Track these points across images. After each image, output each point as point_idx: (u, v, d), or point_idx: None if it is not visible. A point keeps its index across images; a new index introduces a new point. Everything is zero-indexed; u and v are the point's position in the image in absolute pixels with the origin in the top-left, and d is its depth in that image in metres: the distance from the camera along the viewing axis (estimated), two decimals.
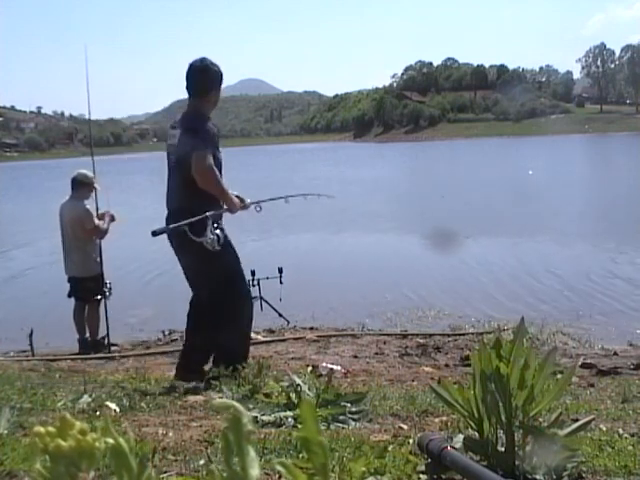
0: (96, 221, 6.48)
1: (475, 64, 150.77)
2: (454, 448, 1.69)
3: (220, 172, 4.16)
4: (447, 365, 5.34)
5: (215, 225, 3.95)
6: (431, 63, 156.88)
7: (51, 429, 0.66)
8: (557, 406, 2.46)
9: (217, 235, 3.91)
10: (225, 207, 4.18)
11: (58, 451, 0.65)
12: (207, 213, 3.89)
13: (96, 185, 6.57)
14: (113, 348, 6.44)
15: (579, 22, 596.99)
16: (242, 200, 4.37)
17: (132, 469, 0.68)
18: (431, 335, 6.68)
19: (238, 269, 4.32)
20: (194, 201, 4.00)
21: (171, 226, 4.02)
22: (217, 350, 4.19)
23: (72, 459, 0.65)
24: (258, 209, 4.55)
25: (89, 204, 6.60)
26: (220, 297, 4.18)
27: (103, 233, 6.55)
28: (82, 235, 6.50)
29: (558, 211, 16.67)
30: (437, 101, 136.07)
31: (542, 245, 12.22)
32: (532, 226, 14.38)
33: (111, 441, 0.67)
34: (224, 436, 0.68)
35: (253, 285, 7.34)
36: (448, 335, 6.69)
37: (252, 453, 0.68)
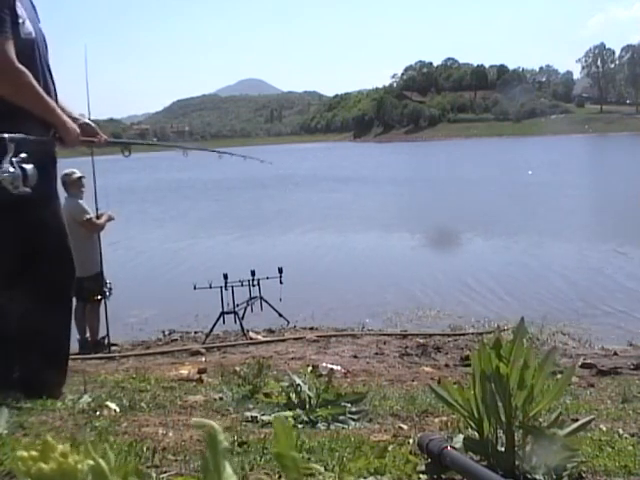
0: (87, 215, 6.51)
1: (475, 64, 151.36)
2: (454, 448, 1.69)
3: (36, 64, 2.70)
4: (447, 365, 5.35)
5: (23, 156, 2.49)
6: (431, 63, 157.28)
7: (33, 453, 0.66)
8: (557, 406, 2.46)
9: (24, 170, 2.47)
10: (63, 140, 2.74)
11: (40, 474, 0.65)
12: (6, 135, 2.47)
13: (77, 174, 6.59)
14: (113, 348, 6.44)
15: (579, 22, 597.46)
16: (91, 129, 2.97)
17: None
18: (431, 335, 6.69)
19: (66, 241, 2.92)
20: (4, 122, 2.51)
21: None
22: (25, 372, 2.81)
23: None
24: (127, 154, 3.33)
25: (89, 204, 6.63)
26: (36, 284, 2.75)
27: (98, 228, 6.58)
28: (80, 232, 6.51)
29: (558, 211, 16.68)
30: (437, 101, 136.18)
31: (542, 245, 12.23)
32: (532, 226, 14.39)
33: (92, 462, 0.67)
34: (202, 455, 0.69)
35: (253, 285, 7.35)
36: (448, 335, 6.70)
37: (229, 469, 0.68)
